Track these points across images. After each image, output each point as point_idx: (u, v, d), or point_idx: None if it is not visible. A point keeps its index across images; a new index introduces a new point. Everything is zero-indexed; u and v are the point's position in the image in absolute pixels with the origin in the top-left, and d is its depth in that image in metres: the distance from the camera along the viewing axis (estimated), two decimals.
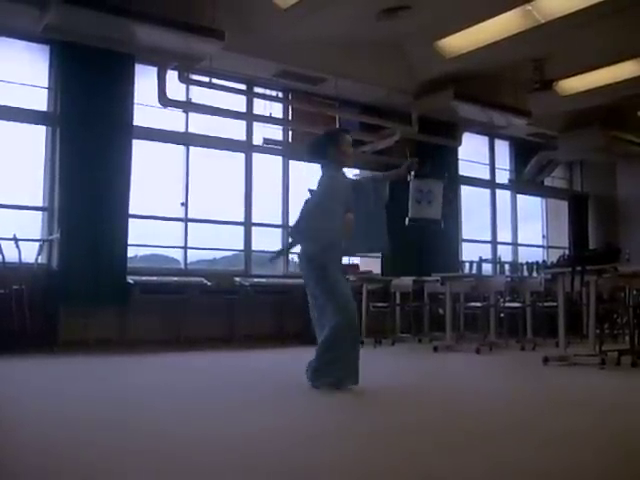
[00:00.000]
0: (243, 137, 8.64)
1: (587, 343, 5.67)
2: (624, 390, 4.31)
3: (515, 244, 11.51)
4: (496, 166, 11.41)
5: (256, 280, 8.06)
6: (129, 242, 7.28)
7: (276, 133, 8.88)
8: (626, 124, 10.34)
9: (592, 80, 8.77)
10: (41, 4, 6.17)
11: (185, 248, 8.10)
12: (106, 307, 7.01)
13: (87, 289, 6.84)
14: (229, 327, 7.73)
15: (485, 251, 10.76)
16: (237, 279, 7.87)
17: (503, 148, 11.59)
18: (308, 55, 7.93)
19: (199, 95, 7.98)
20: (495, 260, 10.53)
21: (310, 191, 4.40)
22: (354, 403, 3.67)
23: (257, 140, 8.64)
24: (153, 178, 7.80)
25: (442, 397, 3.91)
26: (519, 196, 11.69)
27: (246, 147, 8.65)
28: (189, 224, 8.11)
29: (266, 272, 8.67)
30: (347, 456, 2.39)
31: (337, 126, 9.00)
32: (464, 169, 10.62)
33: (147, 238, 7.79)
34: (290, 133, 9.04)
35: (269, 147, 8.72)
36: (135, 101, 7.42)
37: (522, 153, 11.57)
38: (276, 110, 8.79)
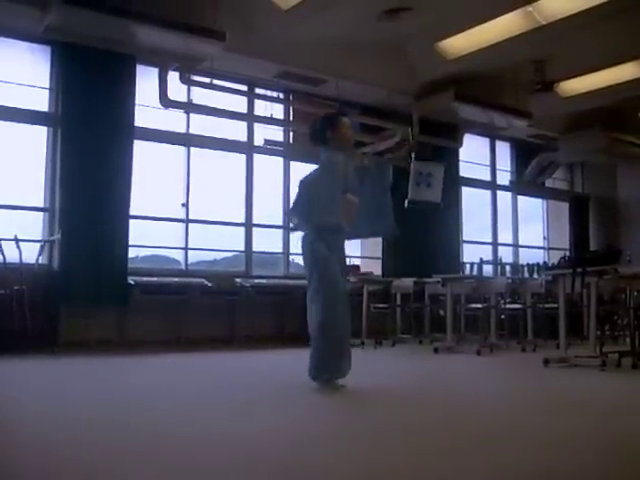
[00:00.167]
0: (244, 138, 8.65)
1: (588, 345, 5.66)
2: (625, 392, 4.30)
3: (516, 245, 11.51)
4: (497, 167, 11.42)
5: (257, 281, 8.07)
6: (130, 243, 7.29)
7: (277, 134, 8.88)
8: (627, 126, 10.33)
9: (593, 82, 8.76)
10: (42, 5, 6.18)
11: (186, 249, 8.10)
12: (107, 308, 7.01)
13: (88, 290, 6.85)
14: (229, 328, 7.73)
15: (486, 252, 10.76)
16: (238, 280, 7.88)
17: (504, 149, 11.60)
18: (309, 56, 7.93)
19: (200, 96, 7.99)
20: (496, 261, 10.51)
21: (301, 181, 4.38)
22: (355, 404, 3.67)
23: (258, 141, 8.65)
24: (154, 179, 7.80)
25: (443, 398, 3.91)
26: (520, 197, 11.69)
27: (247, 148, 8.65)
28: (190, 225, 8.12)
29: (266, 273, 8.68)
30: (348, 457, 2.39)
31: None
32: (465, 170, 10.63)
33: (148, 239, 7.80)
34: (291, 134, 9.04)
35: (270, 148, 8.71)
36: (136, 102, 7.43)
37: (523, 154, 11.57)
38: (277, 111, 8.80)
